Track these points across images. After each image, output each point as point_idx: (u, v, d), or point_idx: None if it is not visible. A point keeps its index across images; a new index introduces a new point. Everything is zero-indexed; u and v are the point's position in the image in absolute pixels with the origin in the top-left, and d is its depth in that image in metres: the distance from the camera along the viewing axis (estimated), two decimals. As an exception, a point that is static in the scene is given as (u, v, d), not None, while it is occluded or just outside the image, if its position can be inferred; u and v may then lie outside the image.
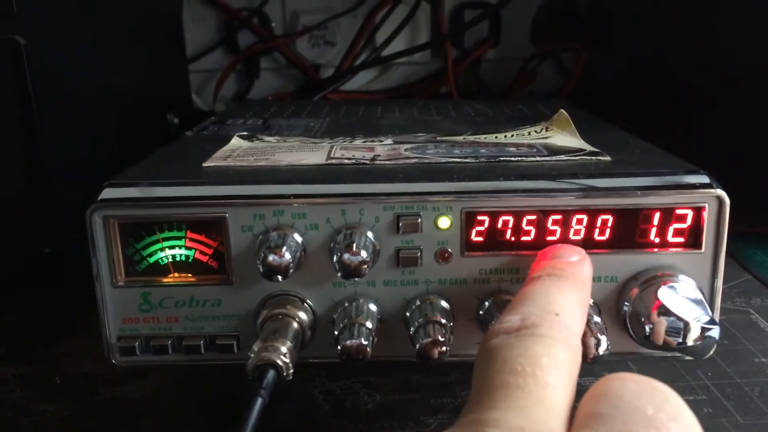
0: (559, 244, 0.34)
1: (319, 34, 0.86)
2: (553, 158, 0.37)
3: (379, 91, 0.90)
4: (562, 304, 0.27)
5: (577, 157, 0.37)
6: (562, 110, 0.46)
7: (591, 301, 0.34)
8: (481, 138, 0.43)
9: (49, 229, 0.51)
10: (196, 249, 0.35)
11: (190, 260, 0.35)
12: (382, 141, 0.43)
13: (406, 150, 0.40)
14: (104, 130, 0.58)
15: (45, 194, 0.49)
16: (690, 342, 0.32)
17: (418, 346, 0.33)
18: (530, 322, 0.25)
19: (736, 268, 0.53)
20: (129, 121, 0.63)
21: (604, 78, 0.82)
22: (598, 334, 0.32)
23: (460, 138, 0.43)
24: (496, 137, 0.43)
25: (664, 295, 0.32)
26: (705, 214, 0.33)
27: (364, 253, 0.32)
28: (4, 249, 0.49)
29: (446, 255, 0.34)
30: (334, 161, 0.38)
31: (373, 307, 0.35)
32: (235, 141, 0.43)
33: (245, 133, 0.46)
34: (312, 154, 0.39)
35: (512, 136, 0.43)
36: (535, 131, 0.44)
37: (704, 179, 0.34)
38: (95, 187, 0.35)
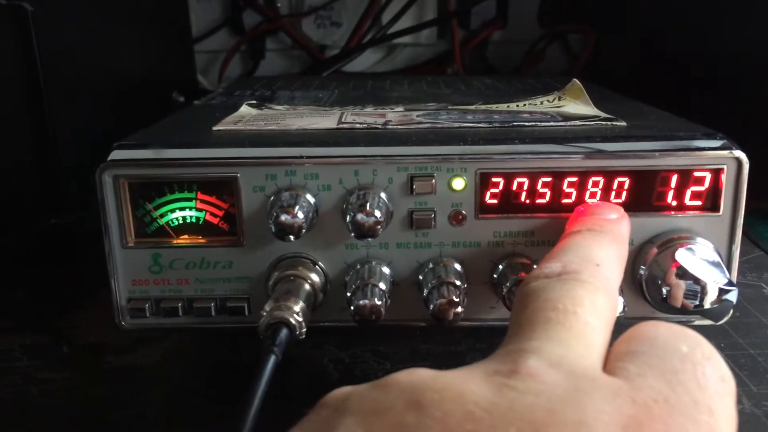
0: (598, 202, 0.33)
1: (325, 15, 0.86)
2: (568, 123, 0.37)
3: (384, 73, 0.90)
4: (603, 256, 0.27)
5: (592, 123, 0.37)
6: (575, 80, 0.45)
7: None
8: (493, 107, 0.43)
9: (55, 203, 0.50)
10: (206, 210, 0.34)
11: (200, 222, 0.34)
12: (393, 108, 0.42)
13: (418, 116, 0.39)
14: (109, 106, 0.58)
15: (51, 167, 0.49)
16: (707, 305, 0.31)
17: (432, 307, 0.32)
18: (572, 269, 0.25)
19: (747, 244, 0.53)
20: (134, 99, 0.62)
21: (613, 60, 0.82)
22: (615, 296, 0.31)
23: (472, 107, 0.43)
24: (508, 106, 0.43)
25: (682, 256, 0.32)
26: (723, 177, 0.33)
27: (378, 213, 0.32)
28: (12, 222, 0.48)
29: (460, 217, 0.34)
30: (345, 125, 0.37)
31: (386, 269, 0.34)
32: (244, 108, 0.43)
33: (254, 101, 0.46)
34: (323, 119, 0.39)
35: (524, 105, 0.43)
36: (548, 100, 0.43)
37: (723, 141, 0.33)
38: (100, 160, 0.34)
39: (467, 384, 0.19)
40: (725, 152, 0.33)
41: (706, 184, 0.33)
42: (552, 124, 0.37)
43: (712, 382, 0.20)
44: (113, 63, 0.60)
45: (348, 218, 0.32)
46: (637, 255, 0.34)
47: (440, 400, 0.19)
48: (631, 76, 0.76)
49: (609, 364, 0.22)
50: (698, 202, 0.34)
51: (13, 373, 0.38)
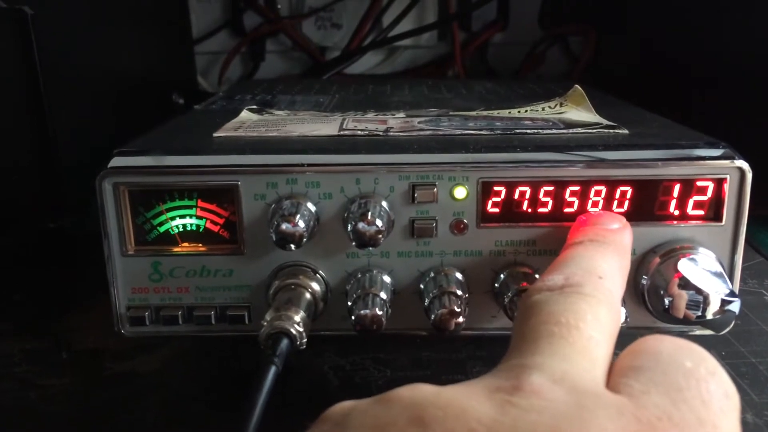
0: (600, 211, 0.33)
1: (326, 16, 0.86)
2: (570, 131, 0.36)
3: (384, 75, 0.89)
4: (605, 268, 0.27)
5: (594, 131, 0.37)
6: (577, 86, 0.45)
7: None
8: (495, 113, 0.43)
9: (55, 203, 0.50)
10: (207, 218, 0.34)
11: (201, 230, 0.34)
12: (394, 114, 0.42)
13: (419, 123, 0.39)
14: (109, 107, 0.58)
15: (51, 167, 0.49)
16: (709, 315, 0.31)
17: (433, 317, 0.32)
18: (574, 281, 0.25)
19: (748, 251, 0.52)
20: (134, 100, 0.62)
21: (613, 61, 0.81)
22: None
23: (473, 112, 0.43)
24: (510, 112, 0.43)
25: (685, 267, 0.32)
26: (726, 186, 0.33)
27: (379, 222, 0.31)
28: (12, 222, 0.48)
29: (462, 226, 0.34)
30: (346, 132, 0.37)
31: (387, 278, 0.34)
32: (245, 114, 0.43)
33: (254, 106, 0.45)
34: (324, 125, 0.39)
35: (526, 111, 0.43)
36: (549, 107, 0.43)
37: (725, 150, 0.33)
38: (100, 163, 0.34)
39: (470, 401, 0.19)
40: (728, 162, 0.33)
41: (709, 193, 0.33)
42: (554, 131, 0.36)
43: (716, 398, 0.20)
44: (113, 64, 0.60)
45: (349, 227, 0.32)
46: (639, 265, 0.34)
47: (443, 417, 0.19)
48: (631, 77, 0.76)
49: (612, 379, 0.21)
50: (701, 212, 0.33)
51: (12, 378, 0.38)
